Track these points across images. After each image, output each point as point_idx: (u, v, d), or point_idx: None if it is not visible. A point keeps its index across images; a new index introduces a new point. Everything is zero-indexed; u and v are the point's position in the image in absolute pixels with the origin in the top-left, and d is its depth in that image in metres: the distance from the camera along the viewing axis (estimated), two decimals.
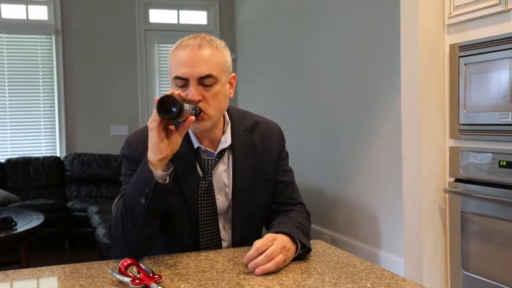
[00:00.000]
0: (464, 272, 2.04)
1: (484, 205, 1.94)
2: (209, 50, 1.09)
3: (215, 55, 1.10)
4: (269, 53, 4.44)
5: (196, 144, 1.16)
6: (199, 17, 5.17)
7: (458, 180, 2.07)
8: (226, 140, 1.18)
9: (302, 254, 1.07)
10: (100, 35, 4.77)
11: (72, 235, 4.24)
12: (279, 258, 0.99)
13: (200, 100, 1.08)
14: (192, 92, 1.07)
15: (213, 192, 1.16)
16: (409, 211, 2.21)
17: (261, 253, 0.98)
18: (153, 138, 1.03)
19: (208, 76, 1.08)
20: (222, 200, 1.18)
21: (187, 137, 1.16)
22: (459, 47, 2.02)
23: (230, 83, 1.16)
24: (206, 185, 1.15)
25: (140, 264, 0.94)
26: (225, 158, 1.19)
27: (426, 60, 2.11)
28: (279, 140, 1.26)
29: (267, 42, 4.48)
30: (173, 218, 1.14)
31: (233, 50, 5.09)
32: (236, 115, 1.22)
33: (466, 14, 1.99)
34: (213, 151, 1.17)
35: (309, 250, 1.09)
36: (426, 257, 2.14)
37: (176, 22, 5.08)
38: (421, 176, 2.12)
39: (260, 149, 1.22)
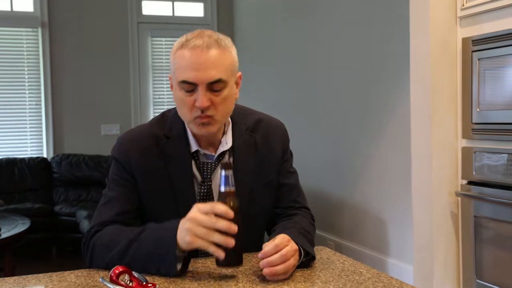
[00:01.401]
0: (477, 280, 2.04)
1: (498, 209, 1.94)
2: (217, 51, 1.09)
3: (224, 57, 1.10)
4: (270, 47, 4.44)
5: (194, 147, 1.16)
6: (195, 9, 5.17)
7: (471, 183, 2.07)
8: (226, 142, 1.18)
9: (306, 262, 1.07)
10: (90, 28, 4.78)
11: (60, 241, 4.24)
12: (290, 262, 1.00)
13: (208, 106, 1.08)
14: (201, 98, 1.07)
15: (213, 197, 1.16)
16: (418, 215, 2.21)
17: (277, 252, 0.98)
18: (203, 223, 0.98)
19: (218, 81, 1.08)
20: None
21: (185, 140, 1.16)
22: (473, 41, 2.02)
23: (236, 82, 1.16)
24: (205, 190, 1.16)
25: (133, 272, 0.94)
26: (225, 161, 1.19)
27: (437, 55, 2.11)
28: (282, 139, 1.26)
29: (268, 36, 4.48)
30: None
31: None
32: (237, 113, 1.22)
33: (480, 6, 1.99)
34: (213, 154, 1.17)
35: (313, 258, 1.09)
36: (437, 265, 2.14)
37: (170, 14, 5.09)
38: (431, 179, 2.12)
39: (262, 149, 1.22)
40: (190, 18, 5.11)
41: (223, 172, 0.99)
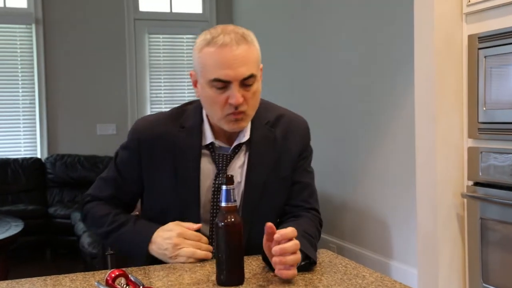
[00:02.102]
0: (484, 284, 2.04)
1: (505, 211, 1.94)
2: (246, 46, 1.14)
3: (252, 52, 1.15)
4: (269, 43, 4.44)
5: (210, 139, 1.20)
6: (193, 5, 5.17)
7: (477, 184, 2.07)
8: (244, 135, 1.21)
9: (306, 266, 1.07)
10: (85, 25, 4.78)
11: (54, 244, 4.24)
12: (298, 256, 1.01)
13: (241, 103, 1.12)
14: (236, 95, 1.12)
15: None
16: (423, 217, 2.21)
17: (290, 240, 1.00)
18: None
19: (250, 76, 1.13)
20: None
21: (198, 132, 1.21)
22: (479, 38, 2.02)
23: (260, 76, 1.20)
24: (220, 182, 1.19)
25: (129, 276, 0.94)
26: (241, 153, 1.22)
27: (442, 52, 2.11)
28: (304, 136, 1.28)
29: (268, 33, 4.48)
30: (183, 216, 1.19)
31: None
32: (260, 107, 1.24)
33: (487, 2, 1.99)
34: (228, 146, 1.21)
35: (314, 262, 1.10)
36: (442, 268, 2.14)
37: (168, 10, 5.09)
38: (436, 180, 2.12)
39: (281, 144, 1.24)
40: (189, 14, 5.11)
41: (224, 187, 1.00)
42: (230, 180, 1.00)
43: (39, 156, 4.71)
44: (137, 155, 1.22)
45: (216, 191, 1.19)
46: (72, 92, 4.76)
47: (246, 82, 1.13)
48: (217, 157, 1.20)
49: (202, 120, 1.22)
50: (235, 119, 1.14)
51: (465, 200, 2.12)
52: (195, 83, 1.19)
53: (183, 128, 1.22)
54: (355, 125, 3.40)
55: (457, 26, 2.12)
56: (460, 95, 2.14)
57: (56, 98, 4.74)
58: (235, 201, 1.01)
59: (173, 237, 1.12)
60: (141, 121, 1.27)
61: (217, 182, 1.19)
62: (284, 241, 0.99)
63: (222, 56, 1.11)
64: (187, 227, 1.14)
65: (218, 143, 1.21)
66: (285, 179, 1.24)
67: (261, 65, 1.20)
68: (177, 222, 1.16)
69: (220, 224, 0.99)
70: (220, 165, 1.20)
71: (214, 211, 1.20)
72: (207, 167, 1.21)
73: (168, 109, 1.31)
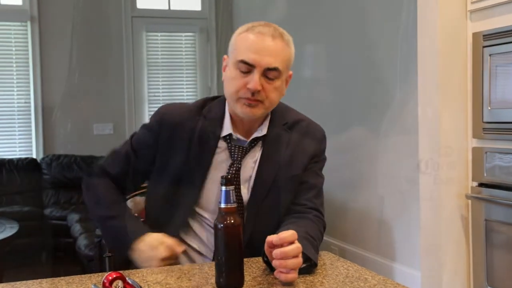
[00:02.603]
0: (489, 287, 2.04)
1: (511, 213, 1.94)
2: (281, 42, 1.21)
3: (285, 50, 1.22)
4: None
5: (228, 130, 1.25)
6: (192, 3, 5.17)
7: (482, 185, 2.07)
8: (262, 130, 1.26)
9: (306, 268, 1.07)
10: (82, 22, 4.77)
11: (50, 246, 4.24)
12: (299, 260, 1.01)
13: (259, 91, 1.17)
14: (256, 81, 1.17)
15: (239, 180, 1.23)
16: (426, 219, 2.21)
17: (292, 243, 1.01)
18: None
19: (275, 69, 1.19)
20: (244, 192, 1.24)
21: (219, 123, 1.25)
22: (484, 35, 2.02)
23: (286, 79, 1.26)
24: (233, 172, 1.23)
25: (127, 279, 0.94)
26: (257, 148, 1.26)
27: (446, 50, 2.11)
28: (319, 142, 1.33)
29: None
30: (182, 201, 1.24)
31: (230, 39, 5.08)
32: (280, 109, 1.31)
33: None
34: (245, 139, 1.26)
35: (315, 265, 1.10)
36: (446, 271, 2.14)
37: (166, 8, 5.08)
38: (440, 181, 2.12)
39: (295, 146, 1.28)
40: (187, 11, 5.11)
41: (223, 188, 1.00)
42: (229, 181, 1.00)
43: (34, 156, 4.71)
44: (155, 136, 1.27)
45: (228, 182, 1.20)
46: (68, 91, 4.76)
47: (269, 74, 1.18)
48: (233, 148, 1.25)
49: (223, 113, 1.27)
50: (249, 104, 1.19)
51: (470, 201, 2.12)
52: (224, 67, 1.26)
53: (205, 118, 1.27)
54: (357, 125, 3.40)
55: (461, 24, 2.12)
56: (465, 94, 2.14)
57: (52, 97, 4.74)
58: (234, 202, 1.01)
59: (154, 260, 1.16)
60: (166, 105, 1.34)
61: (229, 172, 1.23)
62: (285, 244, 1.00)
63: (255, 42, 1.18)
64: (171, 246, 1.17)
65: (236, 135, 1.25)
66: (294, 178, 1.27)
67: (290, 72, 1.26)
68: (162, 237, 1.19)
69: (219, 226, 0.99)
70: (235, 156, 1.24)
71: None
72: (222, 157, 1.25)
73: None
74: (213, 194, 1.23)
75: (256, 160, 1.26)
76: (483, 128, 2.04)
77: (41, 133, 4.72)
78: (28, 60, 4.68)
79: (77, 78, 4.77)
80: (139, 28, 4.97)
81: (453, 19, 2.11)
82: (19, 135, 4.73)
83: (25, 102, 4.70)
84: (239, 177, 1.23)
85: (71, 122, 4.77)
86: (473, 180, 2.11)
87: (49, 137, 4.76)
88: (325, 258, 1.19)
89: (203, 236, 1.25)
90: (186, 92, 5.09)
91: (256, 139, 1.26)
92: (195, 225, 1.25)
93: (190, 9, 5.16)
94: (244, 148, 1.25)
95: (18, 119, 4.70)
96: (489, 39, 1.99)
